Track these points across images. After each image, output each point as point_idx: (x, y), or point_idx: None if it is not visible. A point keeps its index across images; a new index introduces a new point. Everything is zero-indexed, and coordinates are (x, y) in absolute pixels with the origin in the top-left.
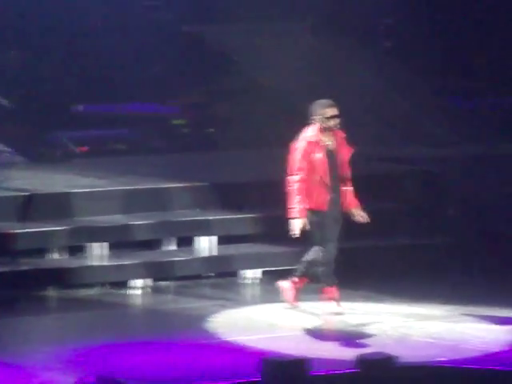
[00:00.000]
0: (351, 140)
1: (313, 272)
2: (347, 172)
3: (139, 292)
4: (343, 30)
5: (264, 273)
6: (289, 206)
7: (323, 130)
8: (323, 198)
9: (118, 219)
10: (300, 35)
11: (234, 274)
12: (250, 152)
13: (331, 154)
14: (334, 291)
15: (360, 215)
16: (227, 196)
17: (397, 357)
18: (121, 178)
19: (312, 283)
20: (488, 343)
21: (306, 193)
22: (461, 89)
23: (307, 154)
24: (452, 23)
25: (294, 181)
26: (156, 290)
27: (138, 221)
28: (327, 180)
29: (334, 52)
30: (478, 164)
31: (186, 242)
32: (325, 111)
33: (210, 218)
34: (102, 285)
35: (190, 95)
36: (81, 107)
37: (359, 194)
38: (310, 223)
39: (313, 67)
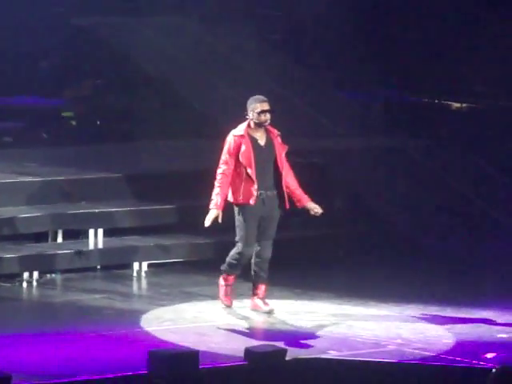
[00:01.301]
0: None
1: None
2: (284, 169)
3: (25, 285)
4: (232, 22)
5: (150, 266)
6: (211, 199)
7: (255, 125)
8: (250, 193)
9: (5, 212)
10: (189, 27)
11: (121, 267)
12: (139, 144)
13: (262, 150)
14: (231, 280)
15: (315, 209)
16: (114, 188)
17: (286, 349)
18: (7, 170)
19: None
20: (378, 336)
21: (234, 187)
22: (352, 81)
23: (232, 148)
24: (344, 15)
25: (218, 173)
26: (43, 283)
27: (24, 213)
28: (254, 175)
29: (222, 44)
30: (367, 157)
31: (72, 234)
32: (256, 106)
33: (96, 210)
34: None
35: (78, 88)
36: None
37: None
38: (235, 217)
39: (201, 59)
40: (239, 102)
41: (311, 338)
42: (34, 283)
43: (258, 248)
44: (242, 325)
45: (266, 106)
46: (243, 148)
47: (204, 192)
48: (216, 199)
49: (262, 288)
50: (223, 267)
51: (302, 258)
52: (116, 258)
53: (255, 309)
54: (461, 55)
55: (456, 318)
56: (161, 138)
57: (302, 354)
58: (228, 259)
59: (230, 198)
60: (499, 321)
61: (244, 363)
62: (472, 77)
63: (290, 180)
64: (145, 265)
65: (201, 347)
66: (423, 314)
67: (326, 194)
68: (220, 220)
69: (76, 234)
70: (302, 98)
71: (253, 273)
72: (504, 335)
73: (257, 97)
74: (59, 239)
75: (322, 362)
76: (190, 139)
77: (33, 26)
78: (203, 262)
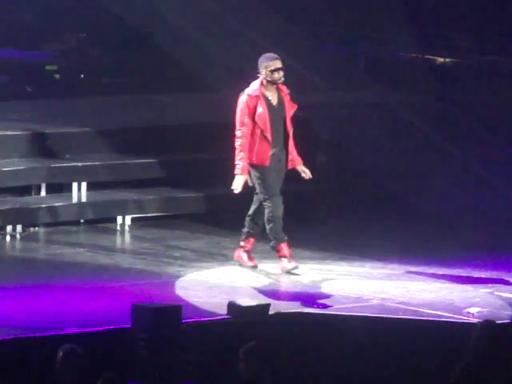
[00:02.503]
0: (224, 88)
1: (258, 229)
2: (290, 128)
3: (8, 238)
4: None
5: (133, 220)
6: (235, 163)
7: (267, 83)
8: (265, 153)
9: None
10: None
11: (104, 221)
12: (123, 97)
13: (274, 109)
14: (285, 248)
15: (304, 172)
16: (98, 142)
17: (269, 304)
18: None
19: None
20: (361, 291)
21: (249, 148)
22: (335, 36)
23: (249, 109)
24: None
25: (237, 136)
26: (26, 237)
27: (7, 167)
28: (269, 135)
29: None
30: (351, 111)
31: (56, 188)
32: (268, 64)
33: (80, 164)
34: None
35: (62, 41)
36: None
37: (228, 141)
38: (254, 178)
39: (187, 14)
40: (224, 55)
41: (294, 294)
42: (17, 237)
43: (271, 204)
44: (226, 279)
45: (278, 64)
46: (260, 110)
47: (188, 146)
48: (242, 164)
49: (284, 247)
50: (271, 241)
51: (284, 213)
52: (99, 211)
53: (239, 260)
54: (444, 10)
55: (439, 274)
56: (145, 91)
57: (285, 308)
58: (267, 226)
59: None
60: (482, 276)
61: (227, 317)
62: (455, 31)
63: (289, 140)
64: (128, 219)
65: (184, 301)
66: (407, 271)
67: (309, 149)
68: (250, 183)
69: (60, 187)
70: (285, 52)
71: (247, 224)
72: (487, 290)
73: (268, 55)
74: (42, 193)
75: (304, 316)
76: (175, 93)
77: None
78: (187, 216)
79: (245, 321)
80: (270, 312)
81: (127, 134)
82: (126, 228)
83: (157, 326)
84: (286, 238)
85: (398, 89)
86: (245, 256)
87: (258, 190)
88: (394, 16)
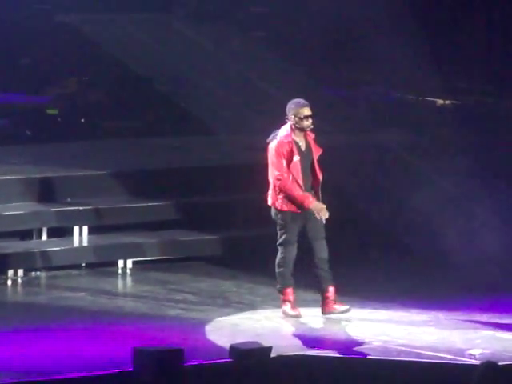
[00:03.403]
0: (221, 128)
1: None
2: (317, 173)
3: (10, 283)
4: (216, 19)
5: (135, 263)
6: (299, 201)
7: (296, 129)
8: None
9: None
10: (173, 25)
11: (105, 265)
12: (123, 141)
13: (303, 154)
14: (290, 293)
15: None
16: (98, 186)
17: (271, 347)
18: None
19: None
20: (362, 333)
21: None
22: (335, 78)
23: (283, 154)
24: (326, 12)
25: (282, 181)
26: (28, 281)
27: (8, 211)
28: (300, 181)
29: (206, 41)
30: (354, 154)
31: (57, 232)
32: (298, 111)
33: (81, 208)
34: None
35: (62, 85)
36: None
37: (234, 183)
38: (278, 222)
39: (184, 56)
40: (223, 99)
41: (296, 336)
42: (19, 281)
43: (314, 251)
44: (228, 322)
45: (308, 111)
46: (295, 158)
47: (187, 189)
48: (306, 195)
49: (330, 290)
50: (277, 285)
51: None
52: (101, 255)
53: (331, 311)
54: (443, 52)
55: (440, 315)
56: (145, 135)
57: (287, 351)
58: (277, 271)
59: (273, 203)
60: (483, 318)
61: (229, 360)
62: (456, 74)
63: (317, 184)
64: (129, 262)
65: (185, 344)
66: (407, 311)
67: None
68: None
69: (61, 231)
70: (284, 93)
71: (316, 278)
72: (489, 332)
73: (297, 101)
74: (43, 237)
75: (306, 359)
76: (175, 136)
77: (15, 23)
78: (188, 259)
79: (247, 364)
80: (272, 355)
81: (127, 178)
82: (128, 271)
83: (158, 370)
84: (292, 283)
85: (399, 131)
86: (335, 305)
87: (278, 233)
88: (393, 59)
